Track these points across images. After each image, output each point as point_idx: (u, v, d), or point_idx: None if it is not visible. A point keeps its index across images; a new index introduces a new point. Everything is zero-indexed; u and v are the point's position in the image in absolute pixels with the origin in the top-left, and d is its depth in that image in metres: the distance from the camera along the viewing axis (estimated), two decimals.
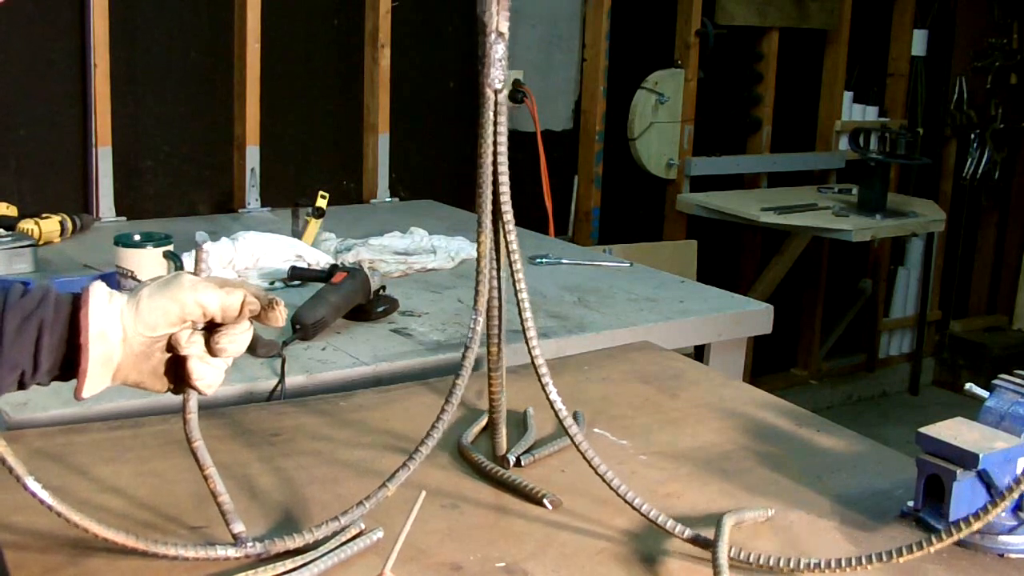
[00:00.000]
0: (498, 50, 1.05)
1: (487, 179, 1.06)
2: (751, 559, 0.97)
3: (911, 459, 1.08)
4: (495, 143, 1.06)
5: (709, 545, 0.98)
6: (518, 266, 1.07)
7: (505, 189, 1.07)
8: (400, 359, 1.70)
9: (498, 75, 1.05)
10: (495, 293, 1.13)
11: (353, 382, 1.61)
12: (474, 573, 0.96)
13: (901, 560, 0.93)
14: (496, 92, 1.05)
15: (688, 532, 1.00)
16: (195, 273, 0.96)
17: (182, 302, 0.92)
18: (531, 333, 1.07)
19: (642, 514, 1.01)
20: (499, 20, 1.04)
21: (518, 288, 1.07)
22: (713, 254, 3.99)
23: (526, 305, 1.07)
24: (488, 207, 1.07)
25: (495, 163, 1.06)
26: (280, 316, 0.96)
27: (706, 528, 1.03)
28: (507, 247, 1.07)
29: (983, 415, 1.08)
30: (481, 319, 1.08)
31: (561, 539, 1.04)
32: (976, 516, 0.91)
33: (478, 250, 1.08)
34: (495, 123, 1.06)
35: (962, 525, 0.92)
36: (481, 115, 1.06)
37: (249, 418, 1.29)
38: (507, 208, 1.07)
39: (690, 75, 3.82)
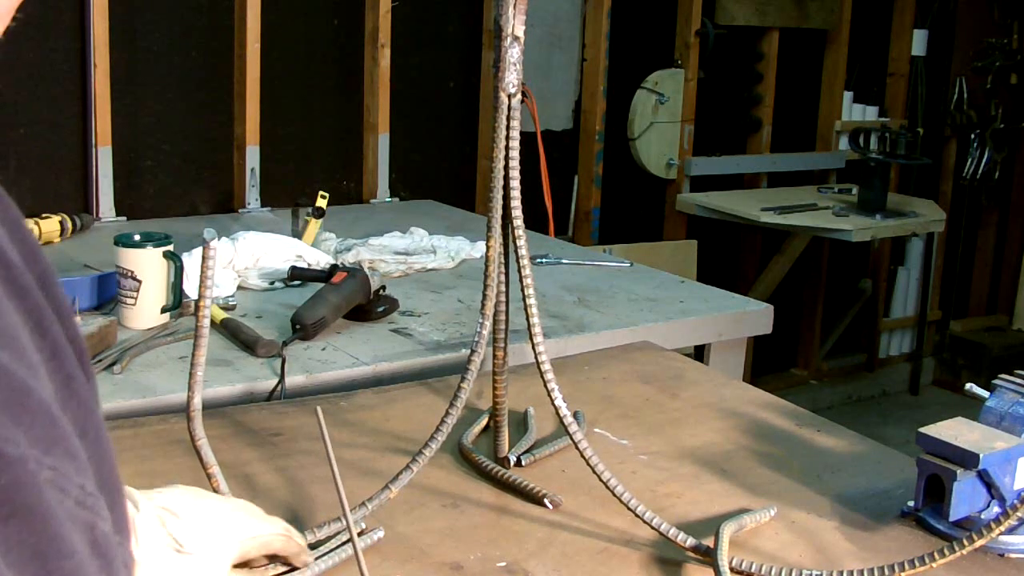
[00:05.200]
0: (513, 54, 1.04)
1: (498, 182, 1.06)
2: (753, 569, 0.97)
3: (911, 459, 1.08)
4: (507, 147, 1.05)
5: (710, 554, 0.98)
6: (527, 271, 1.07)
7: (516, 194, 1.06)
8: (400, 359, 1.70)
9: (512, 79, 1.04)
10: (503, 297, 1.13)
11: (353, 382, 1.61)
12: (475, 573, 0.96)
13: (904, 575, 0.93)
14: (510, 96, 1.05)
15: (689, 541, 1.00)
16: (201, 272, 0.96)
17: None
18: (538, 339, 1.06)
19: (644, 520, 1.01)
20: (515, 24, 1.03)
21: (526, 294, 1.07)
22: (713, 254, 3.99)
23: (534, 311, 1.07)
24: (499, 211, 1.07)
25: (507, 167, 1.06)
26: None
27: (707, 528, 1.03)
28: (516, 251, 1.07)
29: (983, 415, 1.07)
30: (488, 323, 1.08)
31: (562, 539, 1.04)
32: (988, 527, 0.91)
33: (487, 254, 1.08)
34: (508, 127, 1.05)
35: (975, 537, 0.91)
36: (494, 119, 1.05)
37: (249, 418, 1.29)
38: (517, 213, 1.07)
39: (690, 75, 3.82)
